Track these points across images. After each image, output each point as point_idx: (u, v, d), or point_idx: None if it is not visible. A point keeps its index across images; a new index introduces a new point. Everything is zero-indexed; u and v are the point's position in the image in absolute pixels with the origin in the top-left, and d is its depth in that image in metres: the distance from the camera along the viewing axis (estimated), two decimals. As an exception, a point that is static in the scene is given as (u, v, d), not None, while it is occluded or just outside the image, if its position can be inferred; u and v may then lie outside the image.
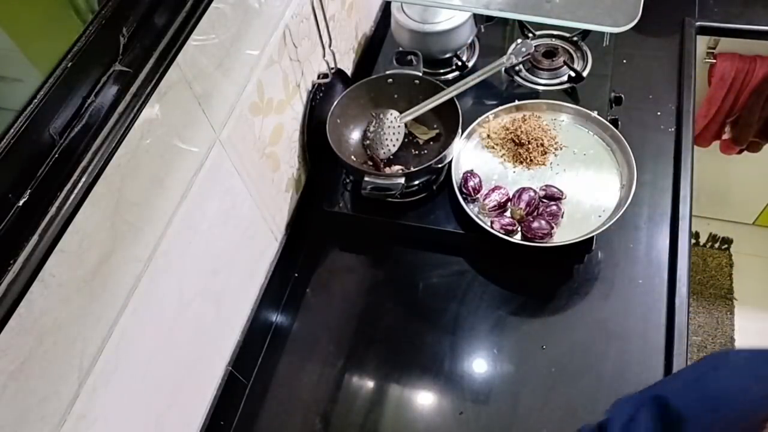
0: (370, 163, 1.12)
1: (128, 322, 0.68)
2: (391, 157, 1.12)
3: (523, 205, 1.01)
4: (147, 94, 0.59)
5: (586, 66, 1.20)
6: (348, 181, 1.14)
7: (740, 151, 1.73)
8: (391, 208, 1.08)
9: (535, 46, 1.25)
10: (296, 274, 1.10)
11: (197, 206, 0.77)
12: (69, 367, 0.61)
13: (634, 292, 0.99)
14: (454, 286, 1.04)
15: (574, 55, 1.23)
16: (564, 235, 0.98)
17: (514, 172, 1.08)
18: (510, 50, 1.13)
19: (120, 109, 0.56)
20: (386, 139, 1.09)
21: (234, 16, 0.78)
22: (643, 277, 1.00)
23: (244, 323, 0.98)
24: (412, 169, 1.02)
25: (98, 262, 0.61)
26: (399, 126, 1.08)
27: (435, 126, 1.15)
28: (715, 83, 1.51)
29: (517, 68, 1.21)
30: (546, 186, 1.04)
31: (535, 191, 1.03)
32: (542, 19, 1.03)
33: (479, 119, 1.11)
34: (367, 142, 1.13)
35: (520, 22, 1.26)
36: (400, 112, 1.12)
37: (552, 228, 0.98)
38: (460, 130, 1.06)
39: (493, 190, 1.04)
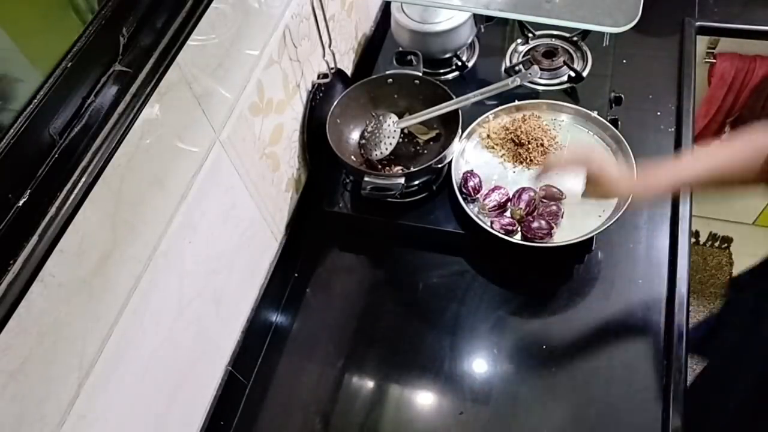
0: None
1: (128, 322, 0.68)
2: (392, 157, 1.12)
3: (523, 205, 1.01)
4: (147, 94, 0.59)
5: (586, 66, 1.21)
6: (348, 181, 1.14)
7: (740, 151, 1.72)
8: (391, 208, 1.08)
9: (535, 46, 1.25)
10: (296, 274, 1.10)
11: (197, 206, 0.77)
12: (69, 367, 0.61)
13: (634, 292, 0.99)
14: (454, 286, 1.04)
15: (574, 55, 1.23)
16: (564, 235, 0.98)
17: (514, 172, 1.08)
18: (516, 74, 1.11)
19: (120, 109, 0.56)
20: (381, 142, 1.09)
21: (234, 16, 0.78)
22: (643, 277, 1.00)
23: (244, 323, 0.98)
24: (412, 169, 1.02)
25: (98, 262, 0.61)
26: (395, 131, 1.08)
27: (435, 126, 1.15)
28: (715, 83, 1.51)
29: (516, 68, 1.21)
30: (546, 186, 1.04)
31: (535, 191, 1.03)
32: (542, 19, 1.03)
33: (479, 119, 1.11)
34: (363, 141, 1.13)
35: (520, 22, 1.26)
36: (400, 113, 1.12)
37: (552, 228, 0.98)
38: (460, 130, 1.06)
39: (493, 190, 1.04)
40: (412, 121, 1.07)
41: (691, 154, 0.84)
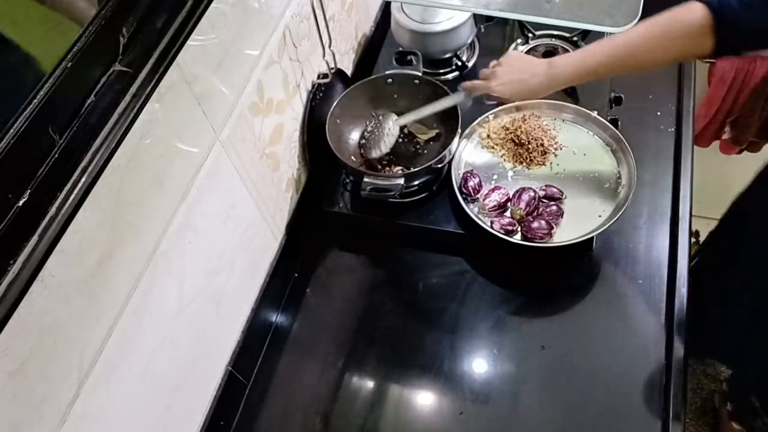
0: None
1: (128, 322, 0.68)
2: (392, 157, 1.12)
3: (522, 205, 1.01)
4: (147, 94, 0.59)
5: (586, 66, 1.20)
6: (348, 181, 1.14)
7: (740, 151, 1.73)
8: (390, 208, 1.08)
9: (535, 46, 1.25)
10: (296, 274, 1.10)
11: (197, 206, 0.77)
12: (69, 367, 0.61)
13: (634, 292, 0.99)
14: (454, 286, 1.04)
15: (574, 55, 1.22)
16: (564, 235, 0.98)
17: (514, 172, 1.08)
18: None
19: (120, 109, 0.56)
20: (381, 141, 1.09)
21: (234, 16, 0.78)
22: (643, 277, 1.00)
23: (244, 323, 0.98)
24: (412, 170, 1.02)
25: (98, 262, 0.61)
26: (394, 129, 1.09)
27: (435, 126, 1.15)
28: (715, 83, 1.51)
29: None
30: (546, 186, 1.04)
31: (535, 191, 1.03)
32: (542, 19, 1.03)
33: (479, 119, 1.11)
34: (363, 141, 1.13)
35: (520, 22, 1.26)
36: (400, 113, 1.12)
37: (552, 228, 0.98)
38: (460, 130, 1.06)
39: (493, 190, 1.04)
40: (411, 117, 1.07)
41: (598, 41, 0.91)
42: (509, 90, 1.01)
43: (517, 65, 1.01)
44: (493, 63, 1.04)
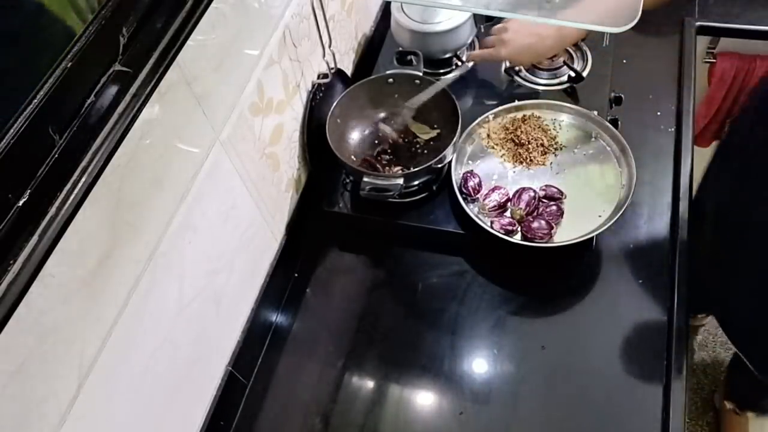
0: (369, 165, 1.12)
1: (128, 322, 0.68)
2: (392, 157, 1.12)
3: (523, 205, 1.01)
4: (147, 94, 0.58)
5: (586, 66, 1.20)
6: (348, 181, 1.14)
7: (740, 151, 1.72)
8: (390, 208, 1.08)
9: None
10: (296, 274, 1.10)
11: (197, 206, 0.77)
12: (69, 368, 0.61)
13: (634, 292, 0.99)
14: (453, 286, 1.04)
15: (574, 55, 1.23)
16: (564, 235, 0.98)
17: (514, 172, 1.08)
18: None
19: (120, 109, 0.56)
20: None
21: (234, 16, 0.78)
22: (643, 277, 1.00)
23: (244, 323, 0.98)
24: (412, 170, 1.02)
25: (98, 262, 0.61)
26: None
27: (435, 126, 1.15)
28: (715, 83, 1.51)
29: (516, 68, 1.21)
30: (546, 186, 1.04)
31: (535, 191, 1.03)
32: (542, 19, 1.03)
33: (479, 119, 1.11)
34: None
35: (520, 22, 1.26)
36: (401, 113, 1.13)
37: (552, 228, 0.98)
38: (459, 130, 1.06)
39: (493, 190, 1.04)
40: (420, 98, 1.11)
41: None
42: (519, 56, 1.07)
43: (524, 30, 1.05)
44: (496, 28, 1.07)
